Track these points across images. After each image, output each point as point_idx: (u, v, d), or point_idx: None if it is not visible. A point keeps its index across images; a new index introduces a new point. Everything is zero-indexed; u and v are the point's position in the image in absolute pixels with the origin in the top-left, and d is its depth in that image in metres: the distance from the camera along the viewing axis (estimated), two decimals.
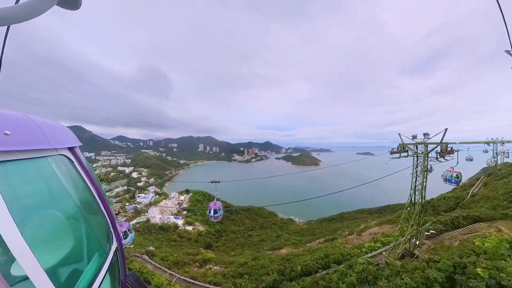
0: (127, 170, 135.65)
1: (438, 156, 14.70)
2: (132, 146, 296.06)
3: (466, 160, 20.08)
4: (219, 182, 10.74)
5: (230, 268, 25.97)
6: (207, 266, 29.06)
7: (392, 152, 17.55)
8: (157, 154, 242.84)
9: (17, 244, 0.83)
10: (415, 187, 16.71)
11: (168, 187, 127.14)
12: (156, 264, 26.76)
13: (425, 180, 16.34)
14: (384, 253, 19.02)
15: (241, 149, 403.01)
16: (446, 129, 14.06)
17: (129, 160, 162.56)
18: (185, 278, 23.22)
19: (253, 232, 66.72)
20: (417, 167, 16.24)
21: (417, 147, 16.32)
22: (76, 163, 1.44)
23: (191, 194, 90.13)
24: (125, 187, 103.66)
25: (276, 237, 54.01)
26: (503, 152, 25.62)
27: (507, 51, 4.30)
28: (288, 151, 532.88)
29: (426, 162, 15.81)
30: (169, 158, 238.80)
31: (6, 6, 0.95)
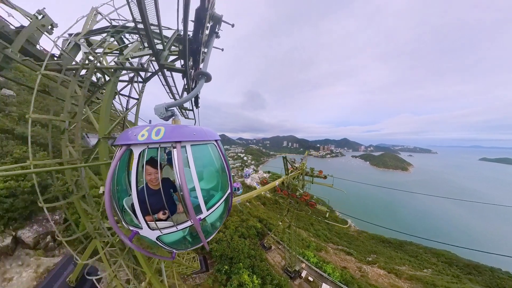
0: (242, 155, 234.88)
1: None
2: (245, 142, 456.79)
3: None
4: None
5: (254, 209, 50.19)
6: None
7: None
8: (257, 147, 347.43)
9: (194, 180, 2.10)
10: None
11: (260, 167, 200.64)
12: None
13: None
14: None
15: (317, 145, 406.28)
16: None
17: (243, 150, 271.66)
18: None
19: (300, 213, 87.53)
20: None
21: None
22: (217, 147, 2.75)
23: (270, 173, 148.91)
24: (240, 164, 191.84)
25: (310, 224, 52.70)
26: None
27: None
28: (368, 149, 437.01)
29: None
30: (264, 150, 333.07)
31: (186, 95, 4.73)
